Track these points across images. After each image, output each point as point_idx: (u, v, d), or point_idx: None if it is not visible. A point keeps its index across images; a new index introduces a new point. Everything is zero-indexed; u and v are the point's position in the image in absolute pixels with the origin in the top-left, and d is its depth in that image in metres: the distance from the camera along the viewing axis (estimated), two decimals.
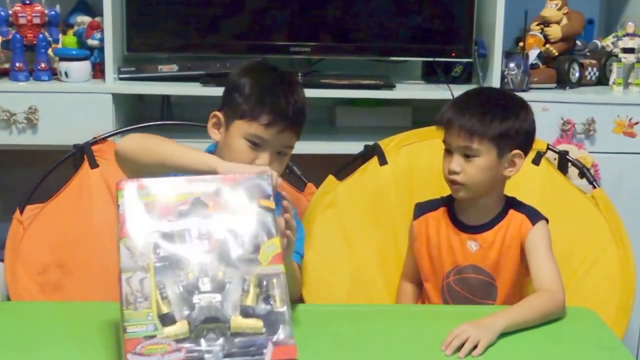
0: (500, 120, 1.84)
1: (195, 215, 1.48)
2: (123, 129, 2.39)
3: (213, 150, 1.88)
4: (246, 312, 1.43)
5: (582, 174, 2.25)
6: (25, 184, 2.23)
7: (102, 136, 2.27)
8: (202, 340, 1.40)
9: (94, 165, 2.22)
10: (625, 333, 2.07)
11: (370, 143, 2.26)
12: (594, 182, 2.23)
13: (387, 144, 2.25)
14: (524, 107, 1.91)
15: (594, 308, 1.82)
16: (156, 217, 1.47)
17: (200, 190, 1.50)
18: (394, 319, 1.77)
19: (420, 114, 2.70)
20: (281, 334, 1.42)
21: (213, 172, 1.57)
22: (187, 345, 1.39)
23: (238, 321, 1.42)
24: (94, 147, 2.24)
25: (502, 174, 1.88)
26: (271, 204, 1.52)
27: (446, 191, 1.94)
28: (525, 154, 1.90)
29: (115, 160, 1.75)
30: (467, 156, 1.85)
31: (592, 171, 2.41)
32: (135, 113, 2.69)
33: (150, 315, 1.39)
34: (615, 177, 2.55)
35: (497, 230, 1.90)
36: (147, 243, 1.44)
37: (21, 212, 2.16)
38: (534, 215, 1.90)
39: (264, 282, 1.45)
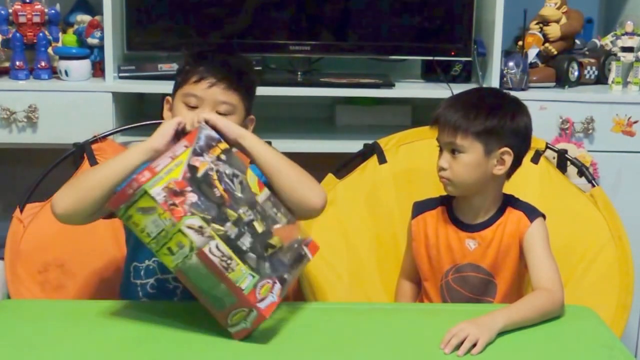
0: (485, 117, 1.84)
1: (196, 179, 1.55)
2: (123, 128, 2.39)
3: None
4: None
5: (581, 173, 2.26)
6: (25, 182, 2.23)
7: (102, 135, 2.28)
8: (269, 264, 1.58)
9: (94, 163, 2.21)
10: (623, 331, 2.08)
11: (370, 142, 2.27)
12: (593, 181, 2.23)
13: (387, 143, 2.26)
14: (515, 107, 1.90)
15: (593, 306, 1.82)
16: (181, 192, 1.52)
17: (183, 156, 1.57)
18: (392, 317, 1.77)
19: (420, 113, 2.71)
20: (301, 238, 1.69)
21: (151, 151, 1.65)
22: (271, 274, 1.57)
23: (278, 235, 1.63)
24: (94, 146, 2.24)
25: (491, 172, 1.87)
26: (225, 145, 1.66)
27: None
28: (518, 153, 1.88)
29: (67, 223, 1.71)
30: (454, 152, 1.86)
31: (591, 170, 2.41)
32: (135, 112, 2.69)
33: (243, 269, 1.52)
34: (614, 175, 2.54)
35: (495, 229, 1.91)
36: (197, 216, 1.51)
37: (21, 211, 2.16)
38: (531, 212, 1.90)
39: (266, 207, 1.64)
